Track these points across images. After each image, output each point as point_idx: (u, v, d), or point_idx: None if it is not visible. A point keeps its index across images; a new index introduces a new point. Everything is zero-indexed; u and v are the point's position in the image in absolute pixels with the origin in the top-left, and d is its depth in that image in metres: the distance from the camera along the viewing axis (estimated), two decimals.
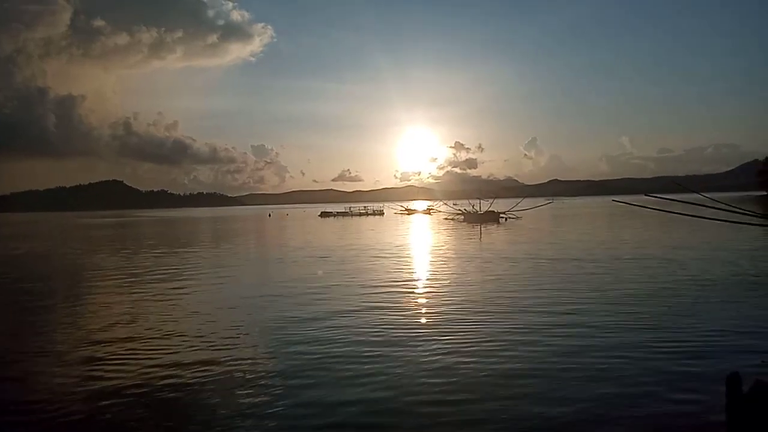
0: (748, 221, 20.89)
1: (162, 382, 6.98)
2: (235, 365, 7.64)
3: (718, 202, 21.05)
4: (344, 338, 8.92)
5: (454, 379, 6.80)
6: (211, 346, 8.76)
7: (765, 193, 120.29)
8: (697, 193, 25.70)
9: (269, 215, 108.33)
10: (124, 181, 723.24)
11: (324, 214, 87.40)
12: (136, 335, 9.67)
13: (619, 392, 6.21)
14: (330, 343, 8.63)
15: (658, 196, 22.50)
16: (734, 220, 20.22)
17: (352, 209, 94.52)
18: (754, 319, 9.48)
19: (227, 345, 8.78)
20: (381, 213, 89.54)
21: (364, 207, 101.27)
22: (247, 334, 9.61)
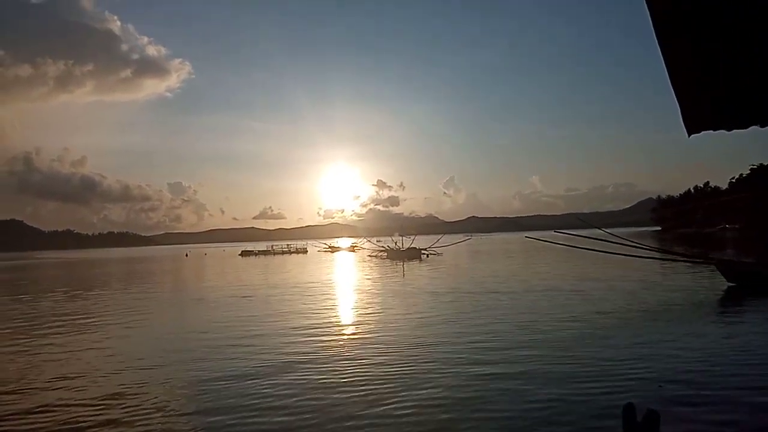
0: (644, 255, 22.74)
1: None
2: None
3: (618, 237, 22.81)
4: (265, 386, 8.54)
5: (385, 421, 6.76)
6: (113, 409, 7.63)
7: (659, 228, 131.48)
8: (600, 228, 27.78)
9: (186, 255, 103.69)
10: (24, 221, 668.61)
11: (245, 253, 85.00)
12: (24, 394, 8.63)
13: (526, 421, 6.45)
14: (250, 396, 8.22)
15: (566, 232, 24.08)
16: (632, 254, 21.96)
17: (274, 247, 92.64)
18: (652, 346, 10.23)
19: (131, 409, 7.57)
20: (305, 251, 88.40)
21: (287, 245, 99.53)
22: (156, 393, 8.39)
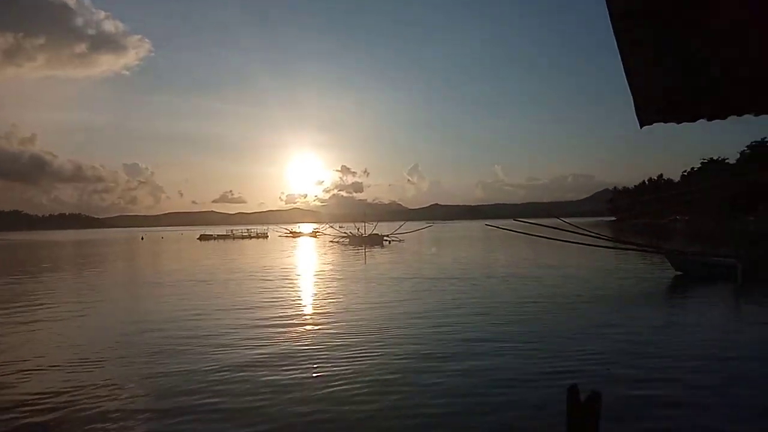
0: (599, 244, 23.48)
1: None
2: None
3: (575, 226, 23.45)
4: (220, 382, 8.36)
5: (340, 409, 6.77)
6: (56, 407, 7.08)
7: (614, 218, 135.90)
8: (558, 218, 28.48)
9: (141, 238, 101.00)
10: None
11: (203, 237, 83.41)
12: None
13: (476, 402, 6.61)
14: (204, 390, 8.13)
15: (525, 220, 24.55)
16: (588, 242, 22.63)
17: (234, 232, 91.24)
18: (603, 331, 10.60)
19: (75, 407, 7.14)
20: (265, 236, 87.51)
21: (248, 230, 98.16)
22: (103, 389, 7.62)
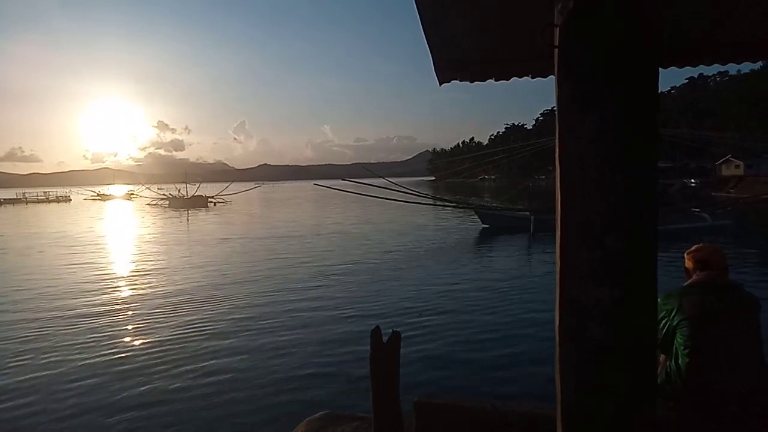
0: (420, 201, 25.34)
1: None
2: None
3: (399, 185, 24.86)
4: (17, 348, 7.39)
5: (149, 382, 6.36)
6: None
7: (433, 178, 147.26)
8: (384, 178, 29.90)
9: None
10: None
11: None
12: None
13: (303, 354, 6.76)
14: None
15: (354, 180, 25.27)
16: (411, 200, 24.24)
17: (27, 195, 78.82)
18: (418, 280, 11.54)
19: None
20: (67, 199, 77.23)
21: (45, 192, 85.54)
22: None
